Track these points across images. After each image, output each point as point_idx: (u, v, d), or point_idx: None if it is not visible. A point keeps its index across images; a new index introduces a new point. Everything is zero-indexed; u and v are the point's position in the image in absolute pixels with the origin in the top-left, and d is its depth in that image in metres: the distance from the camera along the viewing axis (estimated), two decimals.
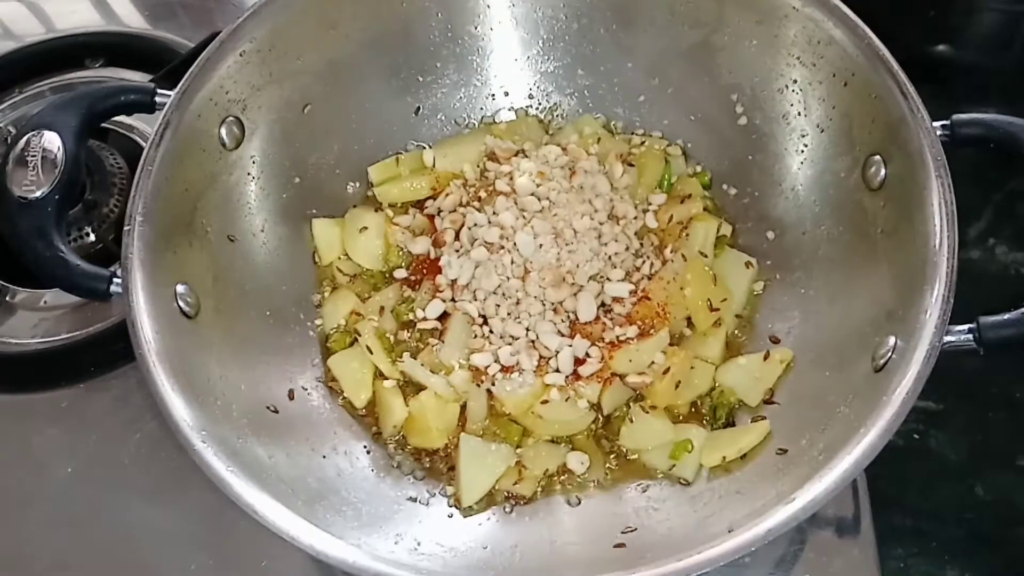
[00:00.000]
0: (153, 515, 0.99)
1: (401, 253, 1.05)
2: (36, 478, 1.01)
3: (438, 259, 1.02)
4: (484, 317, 0.98)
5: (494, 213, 1.02)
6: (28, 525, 0.99)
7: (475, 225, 1.01)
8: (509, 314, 0.97)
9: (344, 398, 0.98)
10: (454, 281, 1.00)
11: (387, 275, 1.05)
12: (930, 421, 1.05)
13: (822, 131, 0.98)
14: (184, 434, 0.78)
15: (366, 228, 1.05)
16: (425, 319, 0.99)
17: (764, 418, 0.93)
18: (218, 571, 0.96)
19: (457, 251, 1.01)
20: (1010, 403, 1.07)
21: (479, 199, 1.04)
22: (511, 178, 1.04)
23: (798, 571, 0.93)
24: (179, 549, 0.97)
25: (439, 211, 1.06)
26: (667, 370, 0.94)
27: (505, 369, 0.95)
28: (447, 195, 1.06)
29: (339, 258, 1.05)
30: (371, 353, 0.98)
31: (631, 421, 0.94)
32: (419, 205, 1.08)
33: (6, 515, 1.00)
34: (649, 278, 0.99)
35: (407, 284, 1.03)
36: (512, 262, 0.99)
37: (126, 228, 0.85)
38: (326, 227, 1.05)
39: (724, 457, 0.91)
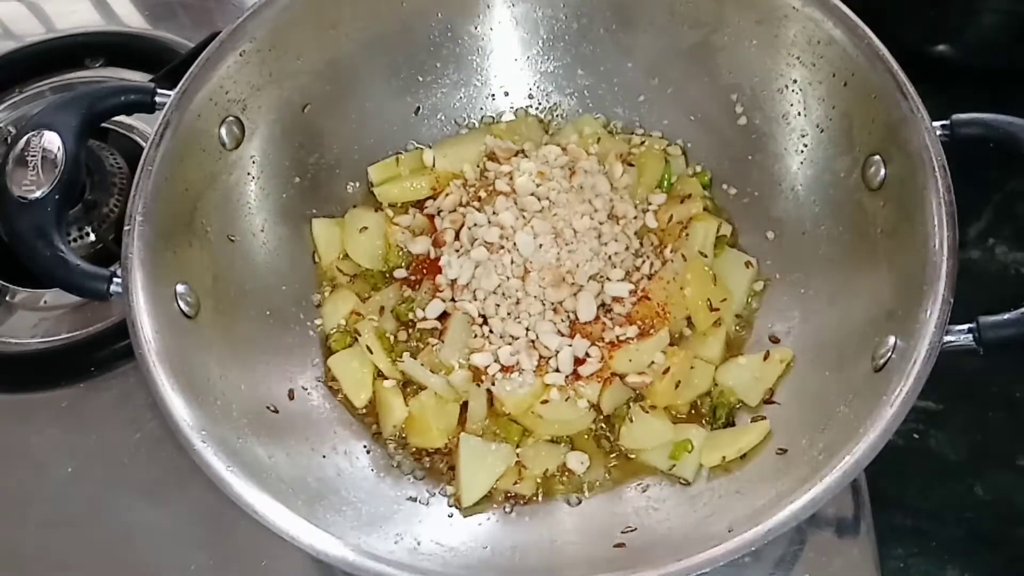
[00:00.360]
0: (153, 515, 0.99)
1: (401, 253, 1.05)
2: (36, 478, 1.01)
3: (438, 259, 1.02)
4: (484, 317, 0.98)
5: (494, 213, 1.02)
6: (28, 525, 0.99)
7: (475, 225, 1.01)
8: (509, 314, 0.97)
9: (344, 397, 0.98)
10: (454, 281, 1.00)
11: (387, 275, 1.05)
12: (930, 421, 1.05)
13: (822, 131, 0.98)
14: (184, 434, 0.78)
15: (366, 228, 1.05)
16: (425, 319, 0.99)
17: (764, 418, 0.93)
18: (218, 571, 0.96)
19: (457, 251, 1.01)
20: (1010, 403, 1.07)
21: (479, 199, 1.04)
22: (511, 178, 1.03)
23: (798, 571, 0.93)
24: (179, 549, 0.97)
25: (439, 211, 1.05)
26: (667, 370, 0.94)
27: (505, 369, 0.95)
28: (447, 195, 1.06)
29: (339, 258, 1.05)
30: (371, 353, 0.98)
31: (631, 421, 0.94)
32: (419, 205, 1.08)
33: (6, 515, 1.00)
34: (649, 278, 0.99)
35: (407, 284, 1.03)
36: (512, 262, 0.99)
37: (126, 228, 0.86)
38: (326, 227, 1.05)
39: (724, 457, 0.91)
